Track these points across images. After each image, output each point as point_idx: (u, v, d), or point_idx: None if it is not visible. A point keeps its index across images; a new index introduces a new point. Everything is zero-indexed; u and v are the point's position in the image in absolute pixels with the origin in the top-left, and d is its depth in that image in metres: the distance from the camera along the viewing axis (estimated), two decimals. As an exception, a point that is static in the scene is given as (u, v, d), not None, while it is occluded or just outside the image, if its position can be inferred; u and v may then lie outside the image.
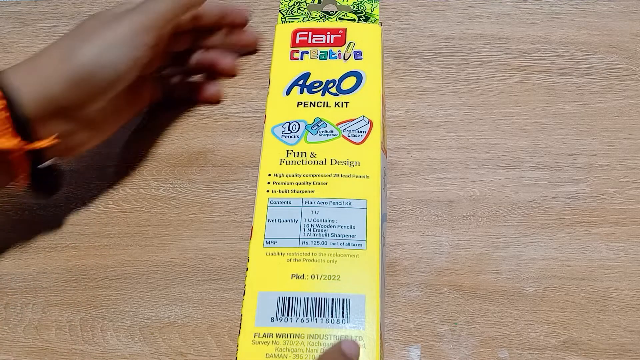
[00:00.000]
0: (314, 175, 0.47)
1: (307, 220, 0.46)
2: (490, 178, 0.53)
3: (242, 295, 0.47)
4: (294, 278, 0.44)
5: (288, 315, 0.43)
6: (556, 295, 0.48)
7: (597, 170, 0.53)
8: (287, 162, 0.48)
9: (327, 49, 0.51)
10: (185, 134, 0.56)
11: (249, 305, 0.44)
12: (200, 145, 0.55)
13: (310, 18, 0.53)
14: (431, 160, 0.54)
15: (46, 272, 0.50)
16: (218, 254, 0.50)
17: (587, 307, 0.48)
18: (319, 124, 0.48)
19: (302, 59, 0.52)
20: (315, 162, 0.48)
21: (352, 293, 0.44)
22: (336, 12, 0.53)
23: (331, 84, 0.50)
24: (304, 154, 0.48)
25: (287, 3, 0.53)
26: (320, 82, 0.50)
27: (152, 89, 0.54)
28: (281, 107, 0.50)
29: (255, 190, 0.48)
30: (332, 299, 0.43)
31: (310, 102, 0.50)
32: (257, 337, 0.43)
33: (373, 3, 0.52)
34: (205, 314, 0.48)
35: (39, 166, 0.47)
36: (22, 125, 0.44)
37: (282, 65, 0.52)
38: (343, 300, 0.43)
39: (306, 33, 0.53)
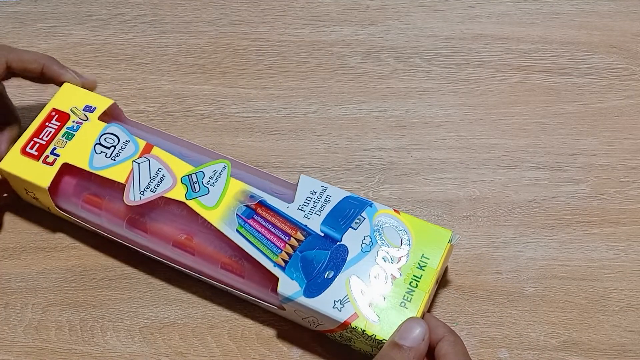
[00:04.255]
0: None
1: None
2: (490, 178, 0.53)
3: (240, 296, 0.47)
4: None
5: None
6: (556, 295, 0.48)
7: (597, 170, 0.53)
8: None
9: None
10: (185, 134, 0.56)
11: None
12: (200, 145, 0.55)
13: None
14: (431, 160, 0.54)
15: (46, 272, 0.50)
16: (218, 254, 0.50)
17: (587, 307, 0.48)
18: None
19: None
20: None
21: None
22: None
23: None
24: None
25: None
26: None
27: None
28: None
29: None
30: None
31: None
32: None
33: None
34: (205, 314, 0.48)
35: None
36: None
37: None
38: None
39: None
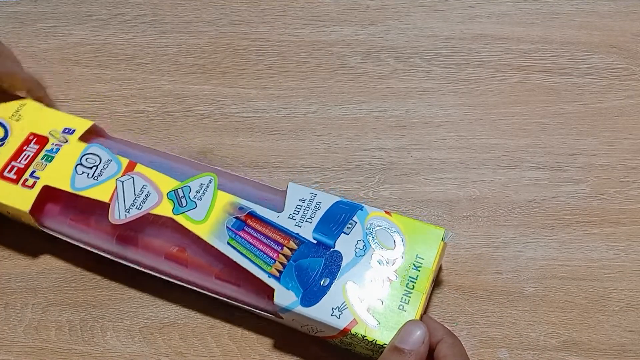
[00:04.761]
0: None
1: None
2: (490, 178, 0.53)
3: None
4: None
5: None
6: (556, 295, 0.48)
7: (597, 170, 0.53)
8: None
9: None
10: (185, 134, 0.56)
11: None
12: (200, 145, 0.55)
13: None
14: (431, 160, 0.54)
15: (46, 272, 0.50)
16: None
17: (587, 307, 0.48)
18: None
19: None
20: None
21: None
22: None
23: None
24: None
25: None
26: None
27: None
28: None
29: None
30: None
31: None
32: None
33: None
34: (205, 314, 0.48)
35: None
36: None
37: None
38: None
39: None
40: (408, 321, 0.41)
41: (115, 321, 0.48)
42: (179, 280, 0.47)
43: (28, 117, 0.51)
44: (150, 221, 0.47)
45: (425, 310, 0.47)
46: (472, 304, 0.48)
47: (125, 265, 0.50)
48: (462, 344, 0.43)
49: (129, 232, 0.48)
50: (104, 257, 0.50)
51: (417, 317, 0.42)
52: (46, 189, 0.48)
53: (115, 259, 0.48)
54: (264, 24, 0.62)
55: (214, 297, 0.47)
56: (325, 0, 0.63)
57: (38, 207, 0.48)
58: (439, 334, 0.41)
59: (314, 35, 0.61)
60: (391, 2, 0.63)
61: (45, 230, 0.49)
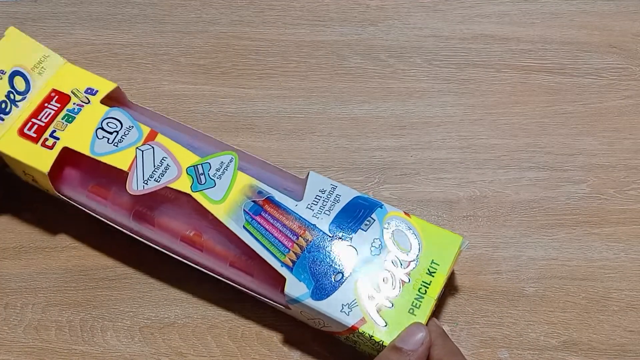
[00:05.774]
0: None
1: None
2: (490, 178, 0.53)
3: (240, 295, 0.47)
4: None
5: None
6: (556, 295, 0.48)
7: (597, 170, 0.53)
8: None
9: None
10: (185, 134, 0.56)
11: None
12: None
13: None
14: (431, 160, 0.54)
15: (46, 272, 0.50)
16: (218, 254, 0.50)
17: (587, 307, 0.48)
18: None
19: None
20: None
21: None
22: None
23: None
24: None
25: None
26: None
27: None
28: None
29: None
30: None
31: None
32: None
33: None
34: (205, 314, 0.48)
35: None
36: None
37: None
38: None
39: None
40: (412, 323, 0.41)
41: (115, 321, 0.48)
42: (193, 263, 0.46)
43: (51, 71, 0.50)
44: (168, 200, 0.47)
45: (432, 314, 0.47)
46: (472, 304, 0.48)
47: (126, 264, 0.50)
48: (462, 344, 0.43)
49: (146, 211, 0.47)
50: (105, 256, 0.50)
51: (425, 322, 0.42)
52: (65, 155, 0.47)
53: (130, 234, 0.48)
54: (264, 24, 0.62)
55: (221, 288, 0.47)
56: (325, 0, 0.63)
57: (55, 172, 0.47)
58: (433, 335, 0.41)
59: (314, 35, 0.61)
60: (391, 2, 0.63)
61: (61, 197, 0.48)
